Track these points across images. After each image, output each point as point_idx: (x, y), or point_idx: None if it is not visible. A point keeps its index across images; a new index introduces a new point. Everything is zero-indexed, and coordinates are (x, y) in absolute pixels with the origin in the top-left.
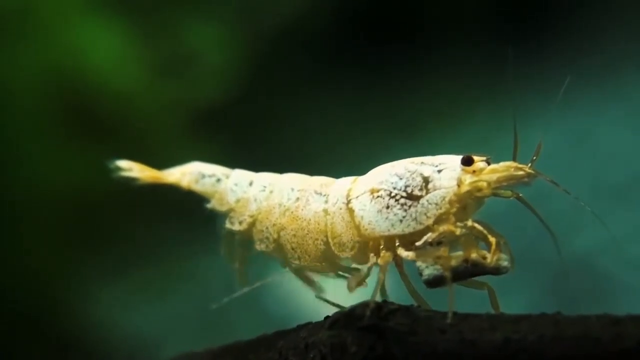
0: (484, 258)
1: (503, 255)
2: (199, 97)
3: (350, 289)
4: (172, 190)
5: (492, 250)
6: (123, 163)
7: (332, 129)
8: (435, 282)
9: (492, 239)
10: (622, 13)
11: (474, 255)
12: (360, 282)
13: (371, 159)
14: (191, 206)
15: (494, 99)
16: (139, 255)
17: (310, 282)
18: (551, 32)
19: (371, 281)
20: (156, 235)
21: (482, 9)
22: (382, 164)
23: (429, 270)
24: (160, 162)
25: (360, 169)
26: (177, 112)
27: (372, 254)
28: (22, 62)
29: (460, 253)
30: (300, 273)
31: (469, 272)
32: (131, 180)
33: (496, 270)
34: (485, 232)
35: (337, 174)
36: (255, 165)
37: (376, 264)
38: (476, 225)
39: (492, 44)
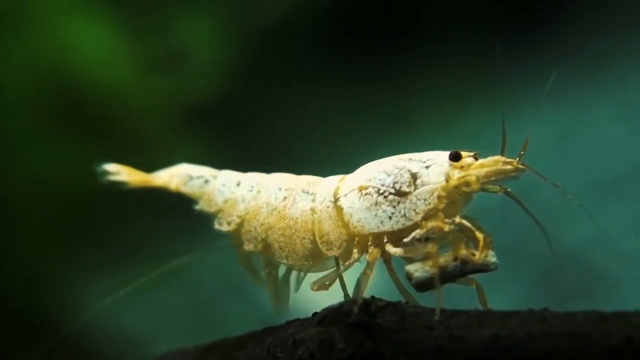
0: (473, 255)
1: (491, 252)
2: (190, 94)
3: (314, 288)
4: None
5: (480, 247)
6: (111, 166)
7: (325, 124)
8: (425, 284)
9: (480, 235)
10: (612, 7)
11: (462, 252)
12: (323, 286)
13: (364, 155)
14: (183, 203)
15: (487, 92)
16: (130, 252)
17: (278, 297)
18: (542, 26)
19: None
20: (148, 232)
21: (474, 3)
22: (375, 159)
23: (418, 273)
24: (151, 159)
25: (353, 165)
26: (169, 109)
27: (355, 251)
28: (12, 58)
29: (449, 253)
30: (274, 286)
31: (458, 270)
32: (119, 184)
33: (485, 267)
34: (473, 228)
35: (330, 170)
36: (248, 161)
37: (357, 260)
38: (464, 221)
39: (484, 38)
